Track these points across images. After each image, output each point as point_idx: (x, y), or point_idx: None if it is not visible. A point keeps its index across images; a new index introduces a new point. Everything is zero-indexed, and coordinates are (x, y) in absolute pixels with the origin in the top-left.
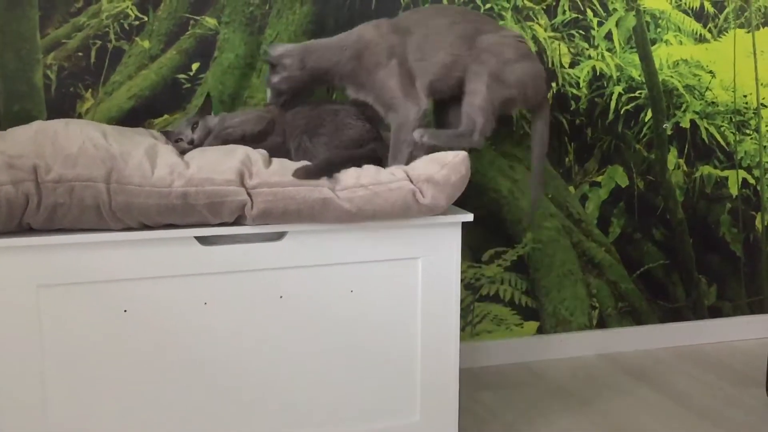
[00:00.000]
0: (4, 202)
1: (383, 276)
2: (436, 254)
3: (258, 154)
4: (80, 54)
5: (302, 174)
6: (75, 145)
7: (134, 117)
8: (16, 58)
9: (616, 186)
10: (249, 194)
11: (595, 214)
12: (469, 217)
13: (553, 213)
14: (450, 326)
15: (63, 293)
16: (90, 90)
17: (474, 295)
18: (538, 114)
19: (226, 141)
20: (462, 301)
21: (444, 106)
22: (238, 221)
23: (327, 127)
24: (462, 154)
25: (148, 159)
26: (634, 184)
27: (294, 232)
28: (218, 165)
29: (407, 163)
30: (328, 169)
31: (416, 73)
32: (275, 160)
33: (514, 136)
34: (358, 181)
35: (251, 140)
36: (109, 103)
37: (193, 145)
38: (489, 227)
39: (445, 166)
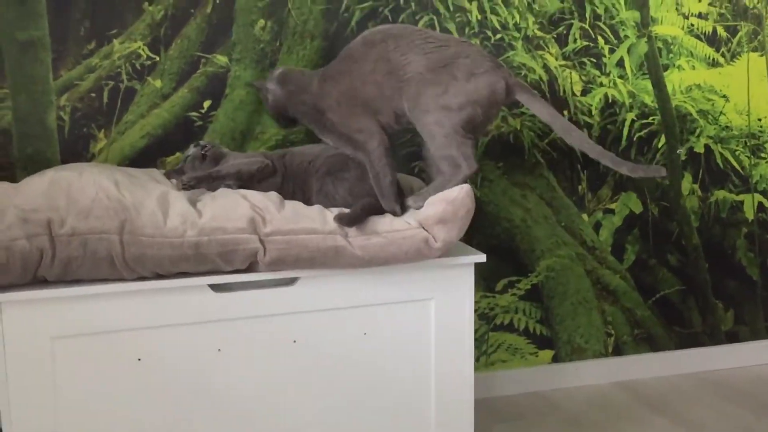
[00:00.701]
0: (18, 257)
1: (396, 318)
2: (450, 295)
3: (269, 200)
4: (93, 95)
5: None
6: (88, 196)
7: (147, 155)
8: (29, 101)
9: (629, 213)
10: (262, 242)
11: (609, 241)
12: (482, 257)
13: (567, 241)
14: (464, 367)
15: (77, 344)
16: (103, 130)
17: (488, 324)
18: (520, 96)
19: (218, 179)
20: (476, 331)
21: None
22: (250, 268)
23: (351, 172)
24: (466, 188)
25: (161, 208)
26: (649, 211)
27: (306, 277)
28: (230, 212)
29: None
30: (366, 216)
31: (372, 113)
32: (288, 204)
33: (525, 165)
34: (373, 227)
35: (247, 180)
36: (122, 143)
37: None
38: (502, 257)
39: (452, 202)
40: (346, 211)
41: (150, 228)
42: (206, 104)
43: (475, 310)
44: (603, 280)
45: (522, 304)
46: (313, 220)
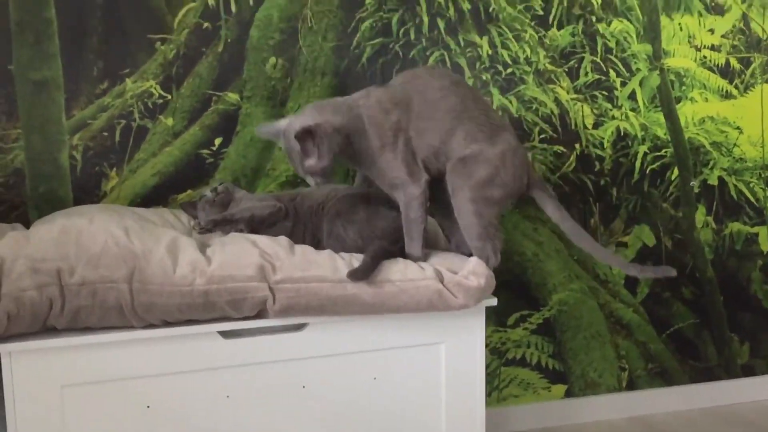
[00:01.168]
0: (28, 308)
1: (406, 362)
2: (460, 339)
3: (279, 245)
4: (105, 134)
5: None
6: (98, 244)
7: (158, 193)
8: (42, 140)
9: (643, 246)
10: (271, 290)
11: (622, 274)
12: (493, 301)
13: (579, 275)
14: (476, 411)
15: (86, 392)
16: (115, 168)
17: (500, 359)
18: (535, 193)
19: (232, 222)
20: (488, 365)
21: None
22: (260, 314)
23: (360, 214)
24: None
25: (170, 256)
26: (662, 243)
27: (316, 323)
28: (240, 260)
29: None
30: (375, 266)
31: (416, 149)
32: (298, 249)
33: None
34: (386, 275)
35: (259, 223)
36: (133, 181)
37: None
38: (514, 291)
39: (481, 276)
40: (357, 263)
41: (159, 276)
42: (217, 141)
43: (487, 345)
44: (616, 313)
45: (534, 338)
46: (323, 268)
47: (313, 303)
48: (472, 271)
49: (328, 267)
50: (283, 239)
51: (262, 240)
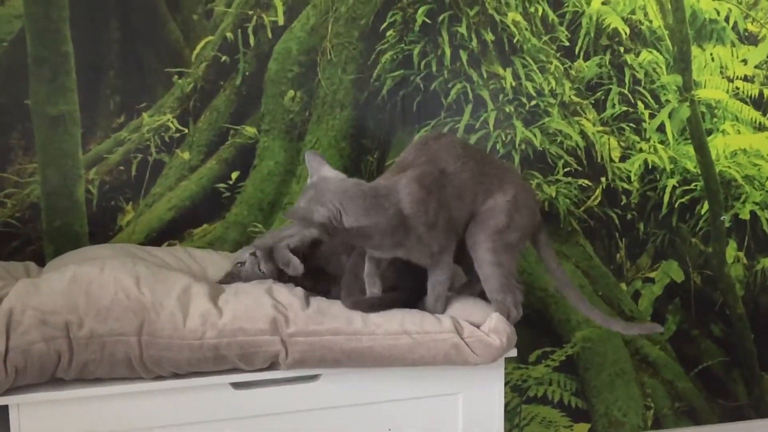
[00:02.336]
0: (36, 361)
1: (422, 413)
2: (478, 389)
3: (294, 296)
4: (121, 168)
5: (364, 307)
6: (108, 296)
7: (174, 228)
8: (58, 175)
9: (671, 281)
10: (284, 343)
11: (649, 310)
12: (513, 352)
13: (604, 311)
14: None
15: None
16: (131, 203)
17: (520, 397)
18: (538, 243)
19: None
20: (508, 403)
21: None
22: (272, 366)
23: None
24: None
25: (181, 307)
26: (691, 279)
27: (329, 373)
28: (252, 312)
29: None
30: (380, 307)
31: (456, 222)
32: (313, 300)
33: (560, 233)
34: (402, 326)
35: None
36: (149, 215)
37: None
38: (536, 326)
39: (503, 334)
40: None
41: (169, 329)
42: (234, 175)
43: (508, 382)
44: (642, 351)
45: (556, 375)
46: (338, 319)
47: (327, 356)
48: (494, 329)
49: (343, 319)
50: (298, 290)
51: (277, 290)
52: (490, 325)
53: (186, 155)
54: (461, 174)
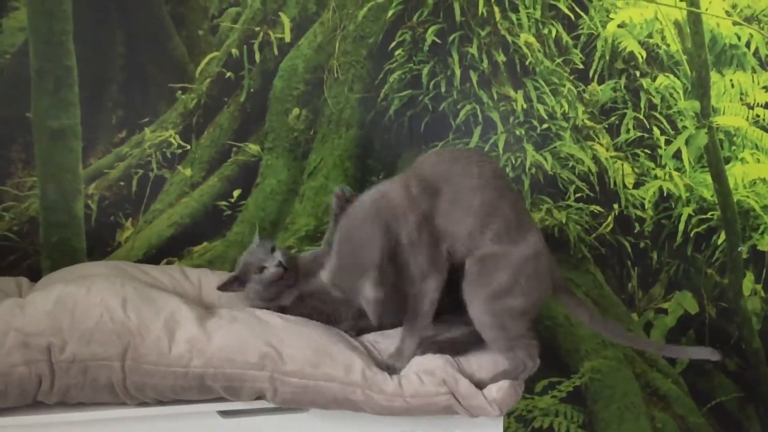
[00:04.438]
0: (17, 384)
1: None
2: (476, 428)
3: (292, 329)
4: (122, 183)
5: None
6: (92, 318)
7: (174, 245)
8: (57, 189)
9: (684, 313)
10: (273, 380)
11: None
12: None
13: (614, 341)
14: None
15: None
16: (130, 219)
17: (526, 428)
18: (563, 298)
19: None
20: None
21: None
22: (259, 398)
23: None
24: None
25: (167, 333)
26: (705, 311)
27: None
28: (242, 343)
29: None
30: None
31: (441, 238)
32: (315, 335)
33: (570, 260)
34: (399, 388)
35: None
36: (149, 231)
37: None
38: (543, 356)
39: (504, 406)
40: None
41: (153, 355)
42: (236, 193)
43: (512, 412)
44: (653, 384)
45: (563, 407)
46: (336, 365)
47: (318, 401)
48: (495, 399)
49: (341, 365)
50: (301, 322)
51: (276, 322)
52: (491, 394)
53: (188, 172)
54: (474, 193)
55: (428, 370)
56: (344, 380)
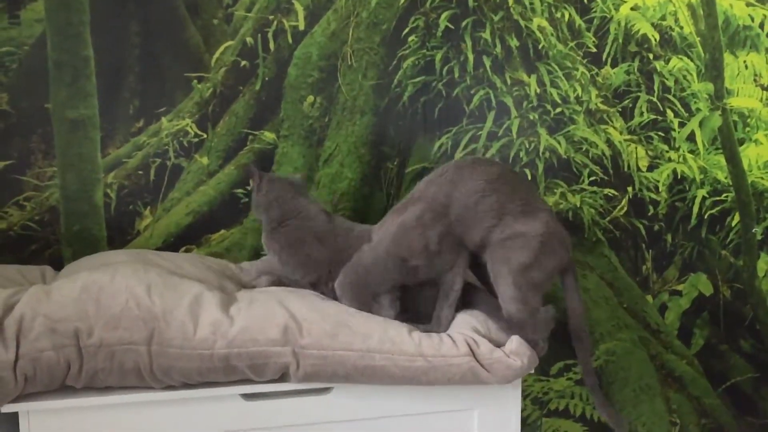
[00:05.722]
0: (45, 369)
1: (436, 429)
2: (494, 405)
3: (310, 305)
4: (140, 172)
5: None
6: (118, 304)
7: (192, 233)
8: (77, 179)
9: (699, 295)
10: (296, 354)
11: (676, 324)
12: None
13: (629, 324)
14: None
15: None
16: (149, 207)
17: (541, 410)
18: (564, 284)
19: None
20: (528, 416)
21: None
22: (283, 377)
23: None
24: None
25: (191, 317)
26: (720, 293)
27: (341, 386)
28: (265, 321)
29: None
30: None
31: (461, 241)
32: (332, 309)
33: (585, 243)
34: (419, 348)
35: None
36: (167, 220)
37: None
38: (558, 338)
39: (524, 356)
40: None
41: (179, 339)
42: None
43: (528, 394)
44: (668, 365)
45: (579, 389)
46: (354, 334)
47: (339, 371)
48: (515, 351)
49: (360, 334)
50: (316, 298)
51: (292, 298)
52: (511, 347)
53: (204, 160)
54: (477, 207)
55: (449, 334)
56: (362, 347)
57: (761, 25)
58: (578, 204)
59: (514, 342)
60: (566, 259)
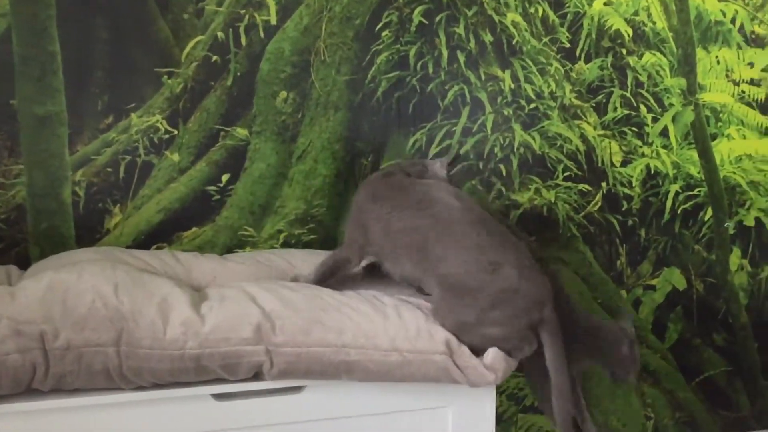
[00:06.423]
0: (11, 372)
1: (410, 427)
2: (468, 403)
3: (283, 301)
4: (109, 169)
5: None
6: (84, 305)
7: (163, 230)
8: (44, 176)
9: (672, 289)
10: (269, 352)
11: (650, 318)
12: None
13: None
14: None
15: None
16: (118, 205)
17: (517, 406)
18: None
19: None
20: (504, 412)
21: None
22: (257, 376)
23: None
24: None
25: (161, 316)
26: (693, 287)
27: (314, 385)
28: (236, 319)
29: None
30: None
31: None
32: (304, 304)
33: (559, 239)
34: (393, 343)
35: None
36: (137, 218)
37: None
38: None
39: (499, 371)
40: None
41: (148, 339)
42: (224, 178)
43: (504, 390)
44: (643, 360)
45: None
46: (328, 330)
47: (313, 367)
48: (490, 366)
49: (333, 329)
50: (288, 292)
51: (264, 295)
52: (488, 360)
53: (175, 157)
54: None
55: (433, 331)
56: (337, 343)
57: (733, 21)
58: (553, 199)
59: (491, 355)
60: (540, 317)
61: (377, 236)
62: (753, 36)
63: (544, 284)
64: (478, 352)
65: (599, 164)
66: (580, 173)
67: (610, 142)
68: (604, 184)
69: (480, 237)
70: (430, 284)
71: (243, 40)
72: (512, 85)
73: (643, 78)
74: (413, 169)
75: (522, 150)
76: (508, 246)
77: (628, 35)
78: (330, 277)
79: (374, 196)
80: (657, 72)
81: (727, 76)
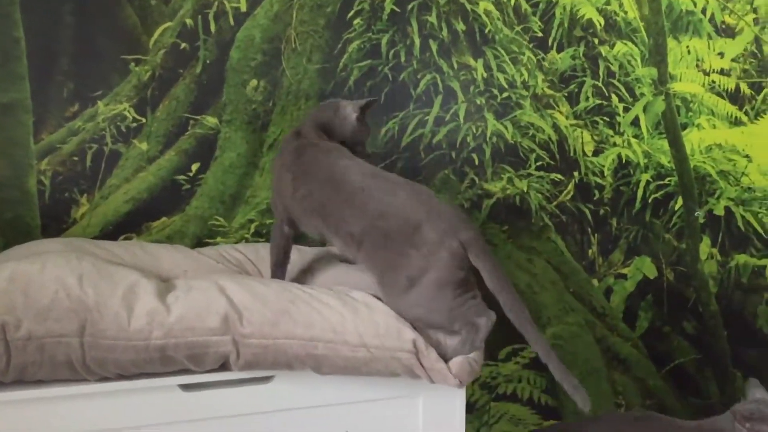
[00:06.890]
0: None
1: (380, 416)
2: (439, 392)
3: (250, 291)
4: (75, 158)
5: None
6: (47, 296)
7: (132, 221)
8: (9, 165)
9: (643, 278)
10: (236, 343)
11: (621, 307)
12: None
13: (576, 308)
14: None
15: None
16: (85, 195)
17: (490, 394)
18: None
19: None
20: (477, 401)
21: None
22: (223, 366)
23: None
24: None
25: (126, 306)
26: (663, 276)
27: (283, 374)
28: (203, 310)
29: None
30: None
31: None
32: (272, 295)
33: (532, 229)
34: (362, 339)
35: None
36: (105, 207)
37: None
38: (506, 323)
39: (464, 378)
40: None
41: (112, 330)
42: (194, 167)
43: (476, 379)
44: (614, 348)
45: (526, 372)
46: (296, 322)
47: (280, 359)
48: (456, 373)
49: (301, 323)
50: (257, 283)
51: (231, 285)
52: (455, 367)
53: (144, 146)
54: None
55: (401, 330)
56: (304, 336)
57: (703, 11)
58: (525, 189)
59: (458, 363)
60: (461, 240)
61: (288, 201)
62: (723, 26)
63: (448, 212)
64: (434, 327)
65: (571, 154)
66: (552, 163)
67: (582, 132)
68: (576, 174)
69: (366, 192)
70: (340, 244)
71: (212, 27)
72: (485, 74)
73: (615, 67)
74: (324, 114)
75: (495, 139)
76: (398, 192)
77: (600, 25)
78: (285, 251)
79: (284, 166)
80: (628, 62)
81: (697, 66)
